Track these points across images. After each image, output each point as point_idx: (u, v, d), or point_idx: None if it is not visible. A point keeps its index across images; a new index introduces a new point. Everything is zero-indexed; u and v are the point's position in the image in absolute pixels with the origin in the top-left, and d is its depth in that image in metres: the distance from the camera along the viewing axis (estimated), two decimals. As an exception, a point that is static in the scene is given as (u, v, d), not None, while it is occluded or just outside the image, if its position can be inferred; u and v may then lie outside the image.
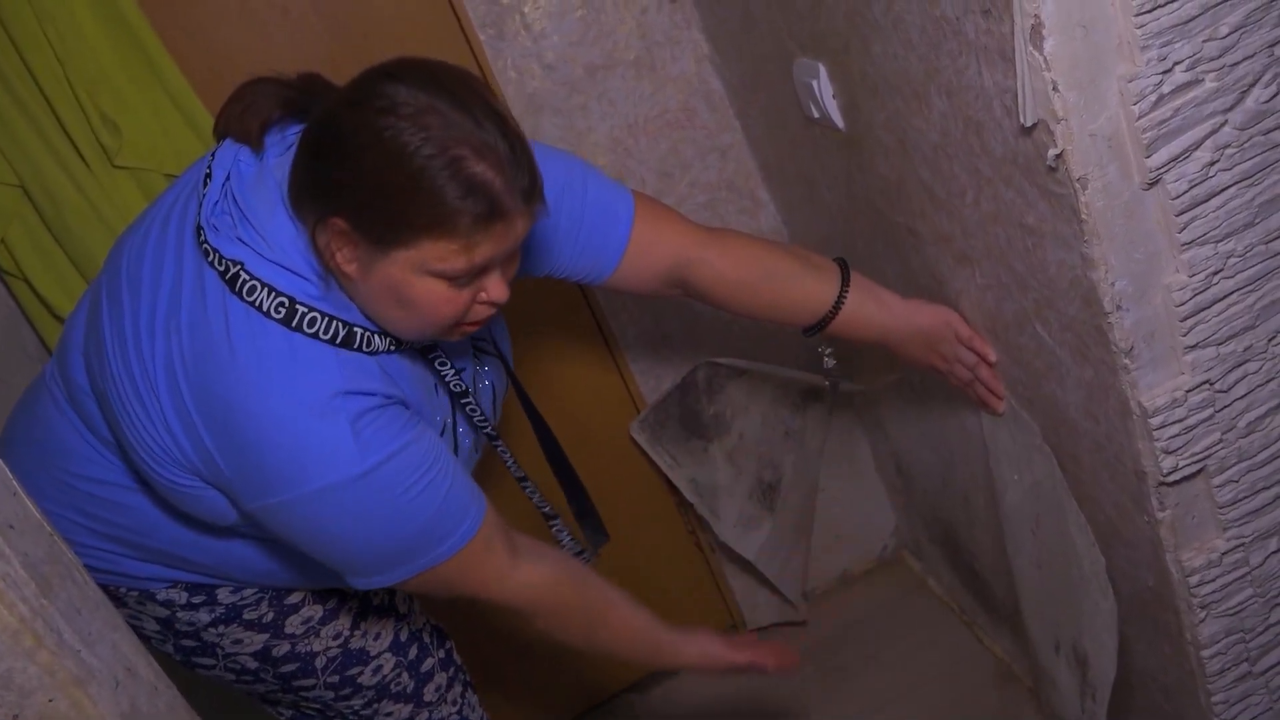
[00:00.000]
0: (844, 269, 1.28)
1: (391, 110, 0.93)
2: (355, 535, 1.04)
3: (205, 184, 1.04)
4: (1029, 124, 0.94)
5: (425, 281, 0.97)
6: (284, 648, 1.24)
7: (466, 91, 0.96)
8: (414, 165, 0.92)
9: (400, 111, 0.93)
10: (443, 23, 1.66)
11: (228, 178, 1.03)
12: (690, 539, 2.07)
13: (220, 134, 1.07)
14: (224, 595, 1.21)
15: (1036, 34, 0.89)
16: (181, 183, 1.11)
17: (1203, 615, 1.13)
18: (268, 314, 0.98)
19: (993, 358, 1.26)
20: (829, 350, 1.41)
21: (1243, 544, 1.11)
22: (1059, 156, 0.94)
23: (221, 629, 1.21)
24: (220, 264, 0.99)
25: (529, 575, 1.14)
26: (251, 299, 0.98)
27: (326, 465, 0.99)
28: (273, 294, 0.99)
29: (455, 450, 1.17)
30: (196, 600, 1.20)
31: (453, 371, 1.13)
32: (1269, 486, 1.10)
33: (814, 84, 1.38)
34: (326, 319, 1.00)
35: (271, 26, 1.59)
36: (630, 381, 1.91)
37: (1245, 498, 1.09)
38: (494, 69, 1.67)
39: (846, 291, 1.26)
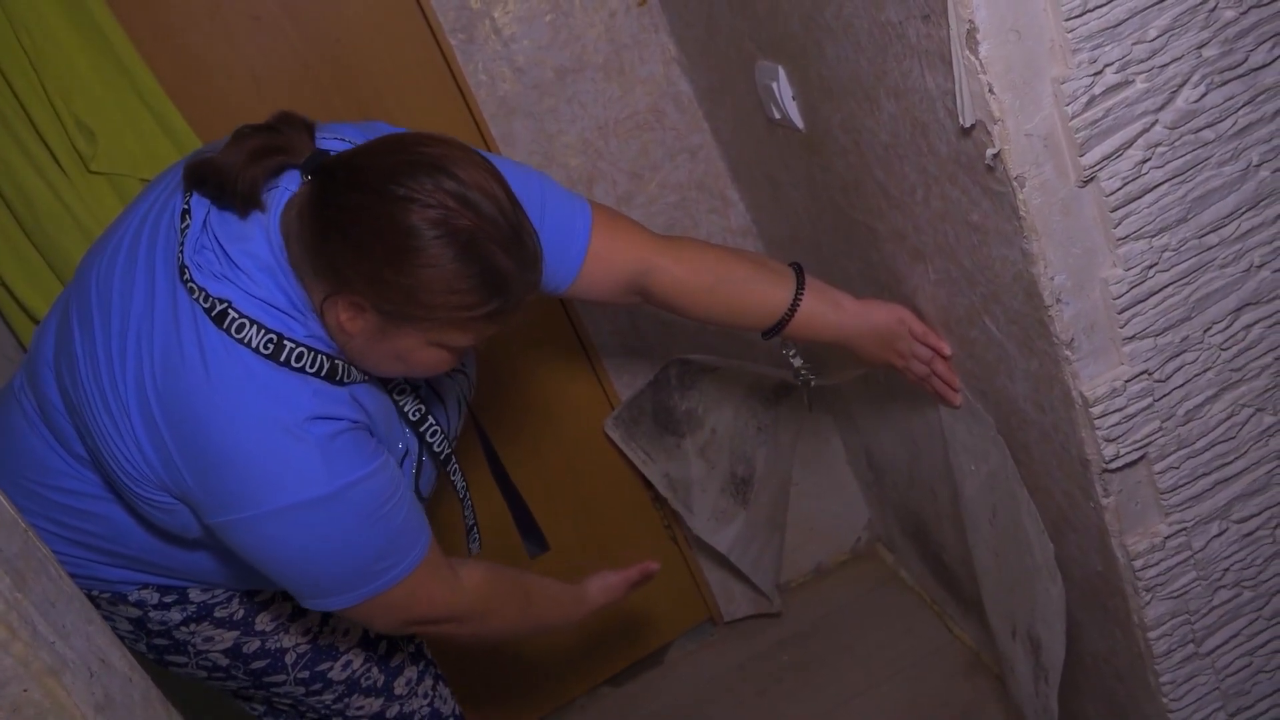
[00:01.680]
0: (799, 273, 1.31)
1: (423, 209, 0.97)
2: (313, 556, 1.07)
3: (184, 219, 1.06)
4: (968, 125, 0.98)
5: (431, 349, 1.04)
6: (254, 644, 1.27)
7: (485, 177, 1.00)
8: (448, 269, 0.97)
9: (430, 214, 0.97)
10: (414, 28, 1.68)
11: (207, 213, 1.06)
12: (665, 533, 2.10)
13: (202, 191, 1.06)
14: (195, 594, 1.23)
15: (972, 38, 0.93)
16: (149, 199, 1.12)
17: (1148, 598, 1.17)
18: (256, 350, 1.02)
19: (947, 351, 1.29)
20: (794, 351, 1.45)
21: (1185, 528, 1.15)
22: (997, 156, 0.97)
23: (193, 627, 1.24)
24: (206, 301, 1.02)
25: (470, 579, 1.22)
26: (240, 336, 1.02)
27: (295, 484, 1.02)
28: (262, 331, 1.02)
29: (419, 476, 1.21)
30: (168, 600, 1.23)
31: (411, 399, 1.17)
32: (1208, 473, 1.13)
33: (774, 86, 1.42)
34: (313, 354, 1.04)
35: (243, 32, 1.62)
36: (604, 378, 1.94)
37: (1186, 484, 1.13)
38: (465, 73, 1.70)
39: (802, 294, 1.29)
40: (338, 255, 0.99)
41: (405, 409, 1.17)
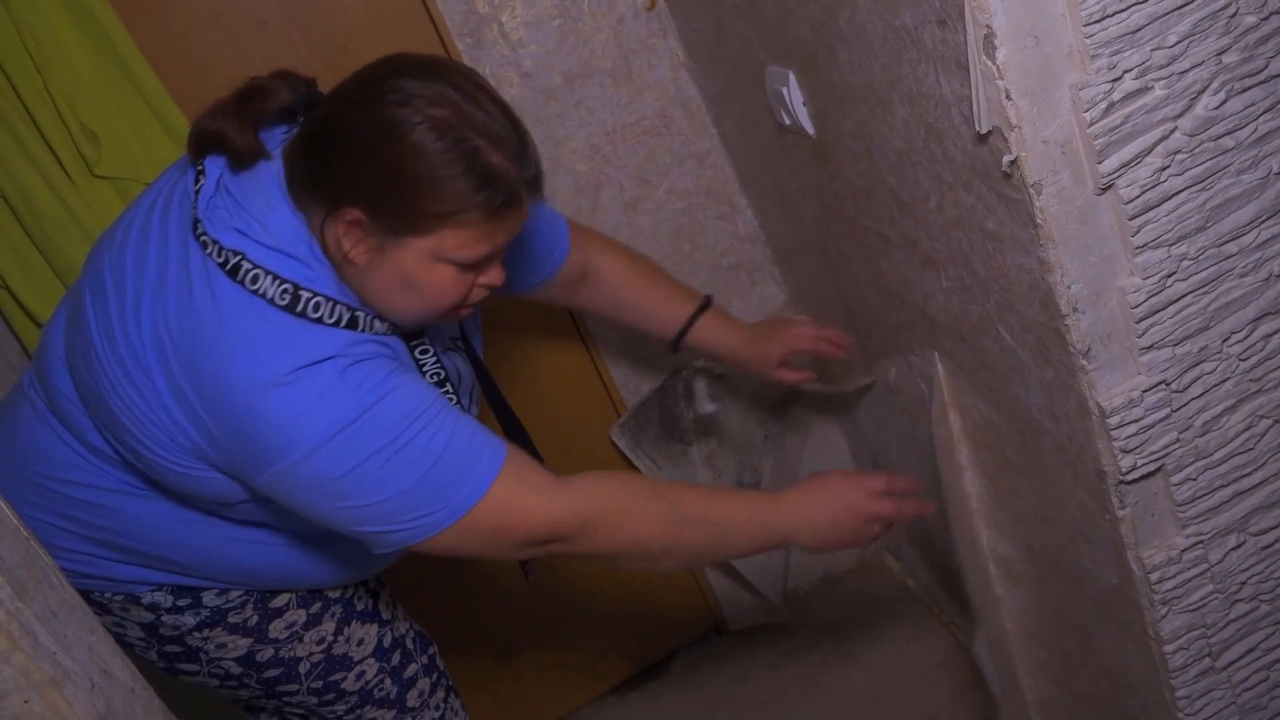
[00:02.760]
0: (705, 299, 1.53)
1: (406, 103, 0.96)
2: (369, 484, 1.00)
3: (198, 180, 1.05)
4: (984, 131, 0.97)
5: (437, 267, 1.02)
6: (268, 653, 1.25)
7: (471, 83, 1.00)
8: (433, 158, 0.96)
9: (414, 104, 0.96)
10: (421, 32, 1.68)
11: (221, 174, 1.05)
12: (671, 542, 2.08)
13: (207, 151, 1.06)
14: (209, 598, 1.21)
15: (989, 44, 0.91)
16: (156, 187, 1.12)
17: (1164, 611, 1.16)
18: (271, 301, 0.99)
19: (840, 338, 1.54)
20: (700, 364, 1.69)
21: (1201, 541, 1.13)
22: (1013, 163, 0.96)
23: (206, 633, 1.22)
24: (220, 255, 1.00)
25: (576, 488, 1.09)
26: (255, 288, 0.99)
27: (324, 416, 0.97)
28: (277, 281, 1.00)
29: None
30: (182, 603, 1.21)
31: (433, 360, 1.15)
32: (1226, 485, 1.12)
33: (785, 92, 1.40)
34: (331, 304, 1.02)
35: (248, 36, 1.61)
36: (610, 385, 1.93)
37: (1203, 495, 1.11)
38: (472, 78, 1.69)
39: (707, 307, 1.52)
40: (326, 167, 0.99)
41: (425, 368, 1.14)
